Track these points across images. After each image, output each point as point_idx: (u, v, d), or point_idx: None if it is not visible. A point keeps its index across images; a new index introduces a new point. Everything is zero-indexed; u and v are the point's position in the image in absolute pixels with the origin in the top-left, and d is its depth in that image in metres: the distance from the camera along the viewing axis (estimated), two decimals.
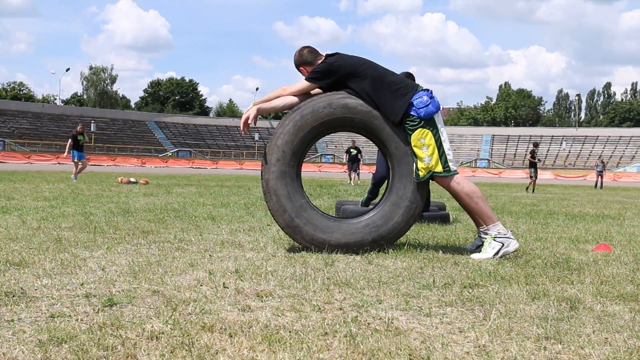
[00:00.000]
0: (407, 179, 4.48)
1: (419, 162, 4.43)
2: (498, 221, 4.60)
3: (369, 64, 4.59)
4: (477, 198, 4.53)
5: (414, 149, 4.43)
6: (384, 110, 4.44)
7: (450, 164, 4.48)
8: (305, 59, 4.70)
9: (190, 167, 53.08)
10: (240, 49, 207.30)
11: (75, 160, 17.38)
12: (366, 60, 4.62)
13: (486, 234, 4.53)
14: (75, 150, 17.43)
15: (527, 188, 20.16)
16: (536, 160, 20.79)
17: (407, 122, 4.43)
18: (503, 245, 4.41)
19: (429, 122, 4.43)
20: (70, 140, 17.59)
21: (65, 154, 18.16)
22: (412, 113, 4.41)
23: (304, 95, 4.61)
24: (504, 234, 4.48)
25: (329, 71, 4.51)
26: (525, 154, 79.01)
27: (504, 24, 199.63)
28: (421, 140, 4.41)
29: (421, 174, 4.44)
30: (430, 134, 4.41)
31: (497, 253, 4.37)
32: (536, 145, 21.50)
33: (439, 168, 4.44)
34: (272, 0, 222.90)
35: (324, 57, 4.65)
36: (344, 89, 4.51)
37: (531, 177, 20.43)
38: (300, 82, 4.63)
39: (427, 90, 4.52)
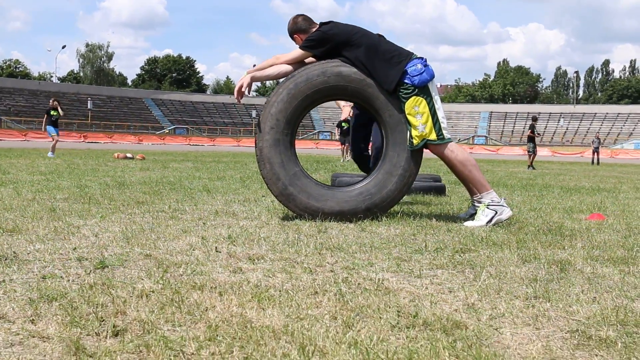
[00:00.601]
0: (400, 147, 4.48)
1: (412, 130, 4.42)
2: (492, 189, 4.60)
3: (363, 32, 4.56)
4: (471, 166, 4.54)
5: (408, 117, 4.42)
6: (377, 78, 4.42)
7: (444, 132, 4.48)
8: (299, 27, 4.67)
9: (187, 144, 52.97)
10: (237, 26, 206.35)
11: (53, 135, 17.27)
12: (360, 29, 4.59)
13: (480, 202, 4.54)
14: (50, 125, 17.33)
15: (529, 166, 19.62)
16: (535, 135, 20.35)
17: (401, 90, 4.41)
18: (496, 213, 4.42)
19: (423, 90, 4.41)
20: (45, 115, 17.51)
21: (43, 129, 18.07)
22: (406, 81, 4.39)
23: (298, 63, 4.59)
24: (498, 202, 4.48)
25: (323, 39, 4.48)
26: (523, 131, 79.04)
27: (503, 1, 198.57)
28: (415, 108, 4.40)
29: (415, 142, 4.43)
30: (424, 101, 4.40)
31: (490, 220, 4.38)
32: (535, 119, 21.09)
33: (433, 136, 4.43)
34: None
35: (318, 26, 4.63)
36: (338, 57, 4.49)
37: (529, 152, 20.08)
38: (295, 50, 4.61)
39: (422, 58, 4.51)
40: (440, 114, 4.46)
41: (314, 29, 4.61)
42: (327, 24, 4.57)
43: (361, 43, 4.45)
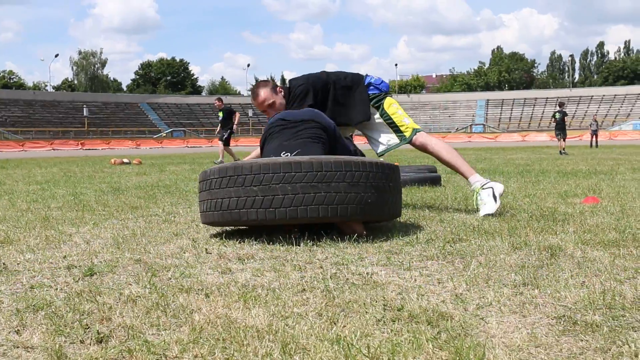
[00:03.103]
0: None
1: (400, 125, 4.51)
2: (475, 172, 4.59)
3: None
4: (453, 150, 4.67)
5: (392, 116, 4.55)
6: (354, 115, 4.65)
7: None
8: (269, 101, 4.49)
9: (185, 147, 52.97)
10: (229, 26, 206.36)
11: None
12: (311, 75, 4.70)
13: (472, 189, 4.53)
14: None
15: (564, 151, 19.50)
16: (553, 121, 20.57)
17: (373, 100, 4.62)
18: (493, 189, 4.37)
19: (387, 93, 4.71)
20: None
21: None
22: (375, 92, 4.63)
23: None
24: (485, 182, 4.45)
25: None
26: (521, 117, 79.00)
27: None
28: (394, 105, 4.64)
29: (408, 133, 4.52)
30: (395, 100, 4.70)
31: (495, 198, 4.31)
32: (562, 104, 21.20)
33: (416, 126, 4.57)
34: None
35: (282, 89, 4.57)
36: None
37: (559, 138, 20.19)
38: None
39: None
40: None
41: (281, 94, 4.53)
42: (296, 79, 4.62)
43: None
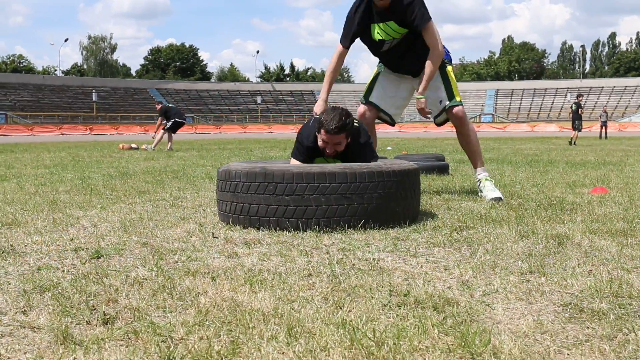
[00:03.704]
0: None
1: (454, 90, 4.77)
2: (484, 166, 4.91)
3: None
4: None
5: (450, 80, 4.75)
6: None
7: None
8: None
9: (193, 133, 53.00)
10: (239, 12, 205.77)
11: None
12: None
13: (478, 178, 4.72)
14: None
15: (574, 142, 19.73)
16: (571, 112, 20.85)
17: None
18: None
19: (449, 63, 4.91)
20: None
21: None
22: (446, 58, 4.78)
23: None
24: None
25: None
26: (530, 108, 78.64)
27: None
28: (452, 73, 4.82)
29: (458, 98, 4.76)
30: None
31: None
32: (578, 96, 21.48)
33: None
34: None
35: None
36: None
37: (575, 129, 20.34)
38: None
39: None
40: None
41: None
42: None
43: None
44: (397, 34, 4.50)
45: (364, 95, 4.92)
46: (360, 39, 4.64)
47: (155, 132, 16.62)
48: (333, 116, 3.73)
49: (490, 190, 4.56)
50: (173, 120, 16.02)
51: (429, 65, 4.53)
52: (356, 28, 4.52)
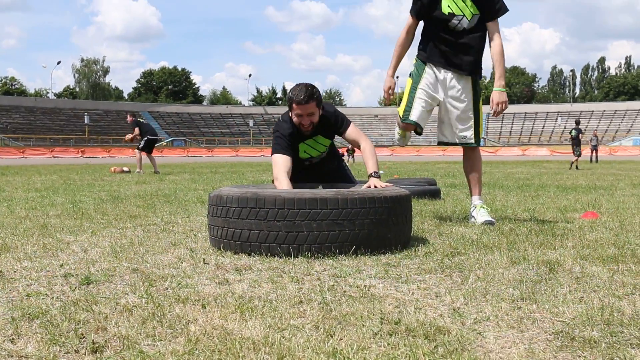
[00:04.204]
0: None
1: (479, 127, 4.67)
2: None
3: None
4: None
5: (480, 115, 4.67)
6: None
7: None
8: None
9: (185, 156, 52.97)
10: (231, 36, 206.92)
11: None
12: None
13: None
14: None
15: (576, 166, 20.31)
16: (571, 137, 21.31)
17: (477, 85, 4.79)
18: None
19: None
20: None
21: None
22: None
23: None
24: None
25: None
26: (521, 132, 79.03)
27: None
28: (483, 107, 4.81)
29: (479, 138, 4.68)
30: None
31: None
32: (578, 122, 22.05)
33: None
34: None
35: None
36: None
37: (575, 153, 20.68)
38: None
39: None
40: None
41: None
42: None
43: None
44: (469, 12, 4.39)
45: (403, 114, 4.67)
46: (428, 12, 4.51)
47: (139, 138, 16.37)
48: (299, 89, 4.03)
49: (483, 216, 4.58)
50: (146, 138, 15.95)
51: (500, 54, 4.50)
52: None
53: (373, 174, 4.12)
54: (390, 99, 4.72)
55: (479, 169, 4.81)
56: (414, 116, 4.63)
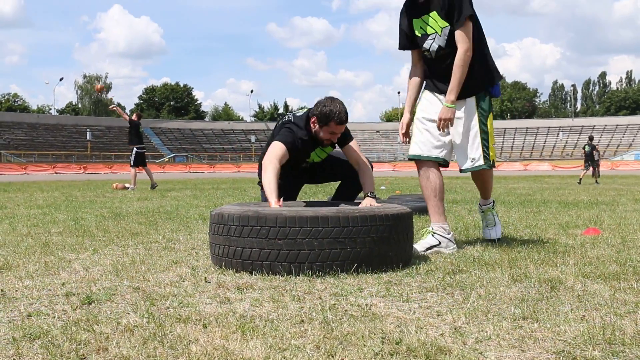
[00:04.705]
0: None
1: (490, 147, 4.31)
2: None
3: None
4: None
5: (489, 133, 4.31)
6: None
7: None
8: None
9: (187, 172, 53.02)
10: (233, 52, 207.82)
11: None
12: None
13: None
14: None
15: (579, 180, 20.99)
16: (585, 152, 22.42)
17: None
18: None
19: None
20: None
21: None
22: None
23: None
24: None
25: None
26: (523, 146, 79.10)
27: (497, 17, 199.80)
28: (492, 122, 4.49)
29: (492, 159, 4.34)
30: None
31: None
32: (591, 138, 22.53)
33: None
34: (264, 2, 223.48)
35: None
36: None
37: (587, 167, 21.64)
38: None
39: None
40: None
41: None
42: None
43: None
44: (438, 27, 4.09)
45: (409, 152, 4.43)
46: (412, 40, 4.27)
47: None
48: (340, 108, 3.98)
49: (491, 229, 4.60)
50: (135, 152, 16.01)
51: (458, 66, 4.04)
52: (403, 25, 4.26)
53: (369, 194, 4.12)
54: (406, 135, 4.45)
55: (488, 178, 4.58)
56: (412, 150, 4.35)
